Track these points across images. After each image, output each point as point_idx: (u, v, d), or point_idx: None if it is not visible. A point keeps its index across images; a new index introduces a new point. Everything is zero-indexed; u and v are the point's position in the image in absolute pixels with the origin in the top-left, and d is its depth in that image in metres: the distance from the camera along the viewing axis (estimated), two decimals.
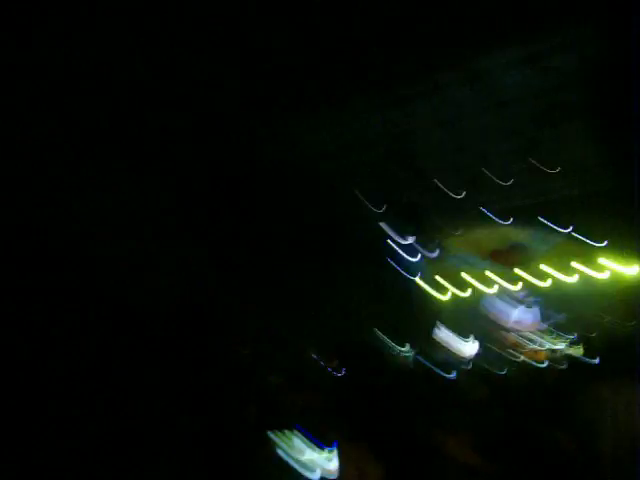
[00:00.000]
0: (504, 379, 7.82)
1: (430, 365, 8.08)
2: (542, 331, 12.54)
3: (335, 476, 1.66)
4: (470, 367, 10.63)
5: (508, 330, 12.87)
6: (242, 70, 9.35)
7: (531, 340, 12.38)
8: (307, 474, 1.74)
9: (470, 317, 13.70)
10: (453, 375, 7.98)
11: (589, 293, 12.92)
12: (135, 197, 10.40)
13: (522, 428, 4.34)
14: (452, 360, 11.62)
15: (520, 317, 12.86)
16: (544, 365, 9.91)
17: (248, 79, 9.44)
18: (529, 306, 12.85)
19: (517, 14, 8.33)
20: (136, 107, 9.46)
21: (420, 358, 11.68)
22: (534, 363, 10.71)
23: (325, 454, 1.74)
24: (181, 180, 10.77)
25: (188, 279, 10.96)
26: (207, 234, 11.38)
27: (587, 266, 12.72)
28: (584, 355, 10.61)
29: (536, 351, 11.72)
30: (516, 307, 12.90)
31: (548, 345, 11.79)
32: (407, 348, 12.08)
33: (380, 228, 13.00)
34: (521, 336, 12.72)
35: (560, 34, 8.95)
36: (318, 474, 1.69)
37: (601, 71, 9.14)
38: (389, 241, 13.23)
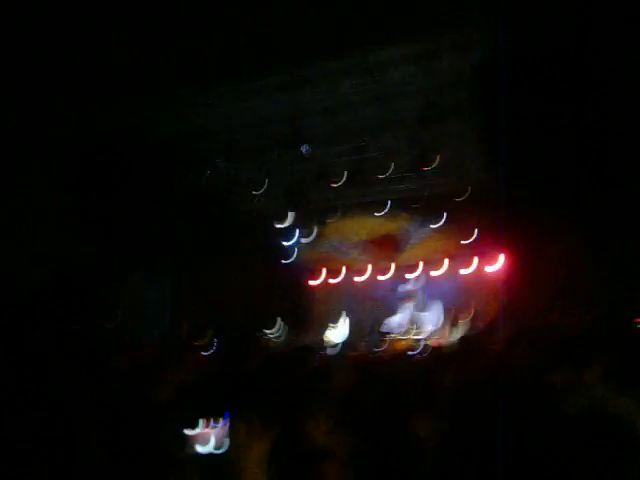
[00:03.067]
0: (370, 365, 8.00)
1: (299, 348, 8.15)
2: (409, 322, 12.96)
3: (223, 449, 1.69)
4: (338, 352, 10.87)
5: (378, 318, 13.26)
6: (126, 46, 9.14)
7: (398, 329, 12.79)
8: (198, 447, 1.75)
9: (341, 303, 13.97)
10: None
11: (451, 286, 13.50)
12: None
13: (383, 414, 4.48)
14: (321, 344, 11.85)
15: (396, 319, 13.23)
16: (410, 353, 10.21)
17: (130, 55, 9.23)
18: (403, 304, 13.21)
19: (409, 13, 8.57)
20: None
21: (290, 341, 11.89)
22: (399, 351, 11.08)
23: (213, 428, 1.76)
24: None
25: (60, 254, 10.63)
26: (81, 211, 11.06)
27: (454, 260, 13.26)
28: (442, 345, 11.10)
29: (398, 340, 12.11)
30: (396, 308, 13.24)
31: (411, 335, 12.21)
32: (277, 331, 12.21)
33: (257, 209, 12.98)
34: (389, 325, 13.14)
35: (448, 37, 9.31)
36: (208, 448, 1.71)
37: (483, 75, 9.54)
38: (265, 223, 13.23)
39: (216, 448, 1.87)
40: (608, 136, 9.69)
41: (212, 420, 1.88)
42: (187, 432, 1.82)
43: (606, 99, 9.27)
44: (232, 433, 1.87)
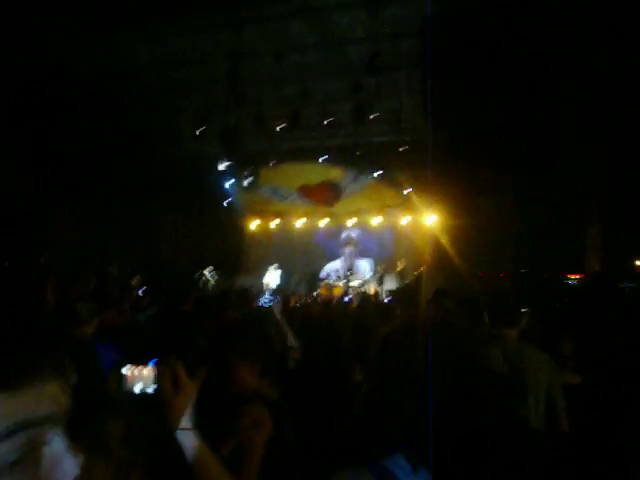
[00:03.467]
0: (304, 309, 8.08)
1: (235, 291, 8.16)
2: (345, 269, 13.11)
3: (153, 388, 1.70)
4: (273, 297, 10.94)
5: (315, 264, 13.37)
6: None
7: (334, 275, 12.93)
8: (129, 386, 1.76)
9: (280, 248, 14.02)
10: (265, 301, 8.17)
11: (387, 236, 13.67)
12: None
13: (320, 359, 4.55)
14: (259, 287, 11.90)
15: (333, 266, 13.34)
16: (345, 299, 10.34)
17: None
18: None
19: None
20: None
21: (228, 284, 11.90)
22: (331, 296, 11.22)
23: (145, 369, 1.76)
24: None
25: None
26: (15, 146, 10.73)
27: (392, 211, 13.41)
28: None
29: (333, 286, 12.26)
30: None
31: (350, 283, 12.35)
32: (210, 272, 12.17)
33: (196, 149, 12.80)
34: (325, 270, 13.27)
35: None
36: (139, 387, 1.72)
37: (430, 26, 9.51)
38: (204, 164, 13.07)
39: (145, 388, 1.87)
40: (547, 92, 9.86)
41: (142, 360, 1.87)
42: (124, 370, 1.81)
43: (549, 53, 9.39)
44: (159, 376, 1.87)
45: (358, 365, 3.44)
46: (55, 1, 8.83)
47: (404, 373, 1.41)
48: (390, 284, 11.74)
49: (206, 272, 11.98)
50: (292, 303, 7.93)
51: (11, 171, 10.81)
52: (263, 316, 5.59)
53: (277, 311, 5.35)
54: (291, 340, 4.80)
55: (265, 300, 9.66)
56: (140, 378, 1.80)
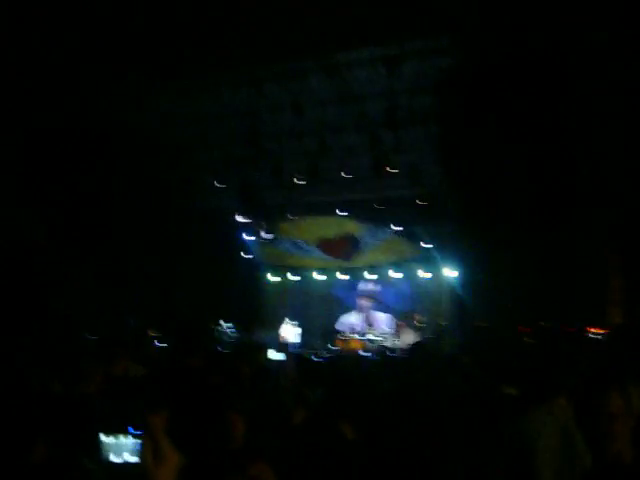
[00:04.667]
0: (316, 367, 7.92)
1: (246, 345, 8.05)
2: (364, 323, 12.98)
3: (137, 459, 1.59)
4: (294, 351, 10.83)
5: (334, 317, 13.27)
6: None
7: (353, 329, 12.79)
8: (111, 457, 1.64)
9: (299, 301, 13.97)
10: (282, 356, 8.04)
11: (408, 290, 13.57)
12: None
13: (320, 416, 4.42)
14: (276, 341, 11.79)
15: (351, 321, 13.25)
16: (363, 353, 10.21)
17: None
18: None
19: (379, 16, 8.57)
20: None
21: (245, 337, 11.82)
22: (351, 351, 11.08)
23: (131, 438, 1.66)
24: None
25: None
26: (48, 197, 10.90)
27: (410, 265, 13.34)
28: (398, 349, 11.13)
29: (349, 339, 12.11)
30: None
31: (368, 336, 12.20)
32: (231, 326, 12.11)
33: (215, 203, 12.89)
34: (344, 324, 13.15)
35: (416, 42, 9.34)
36: (123, 457, 1.61)
37: (447, 82, 9.60)
38: (224, 217, 13.15)
39: (130, 458, 1.77)
40: (564, 149, 9.85)
41: (134, 425, 1.78)
42: (103, 438, 1.72)
43: (565, 113, 9.41)
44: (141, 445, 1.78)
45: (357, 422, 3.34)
46: (77, 53, 9.03)
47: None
48: (408, 338, 11.60)
49: (222, 324, 11.94)
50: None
51: (28, 223, 10.94)
52: (274, 371, 5.49)
53: (290, 368, 5.25)
54: (304, 396, 4.69)
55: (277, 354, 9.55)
56: (121, 447, 1.71)
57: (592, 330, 9.25)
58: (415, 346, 9.87)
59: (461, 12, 8.70)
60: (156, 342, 8.95)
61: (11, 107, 9.88)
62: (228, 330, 11.91)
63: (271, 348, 9.07)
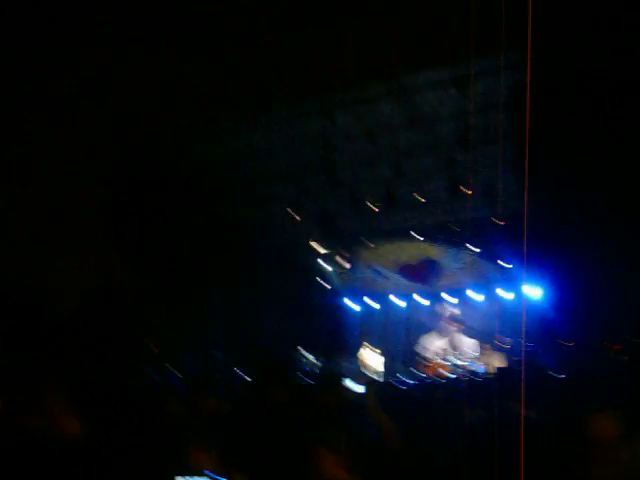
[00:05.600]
0: (403, 396, 7.78)
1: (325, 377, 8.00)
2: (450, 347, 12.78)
3: None
4: (377, 379, 10.73)
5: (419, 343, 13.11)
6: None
7: (439, 354, 12.60)
8: None
9: (382, 328, 13.87)
10: (361, 388, 7.95)
11: (492, 312, 13.30)
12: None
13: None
14: (361, 370, 11.73)
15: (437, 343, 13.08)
16: (445, 380, 10.04)
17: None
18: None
19: (446, 36, 8.54)
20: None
21: (329, 367, 11.81)
22: (437, 377, 10.90)
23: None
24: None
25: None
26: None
27: (495, 286, 13.07)
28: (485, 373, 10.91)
29: (437, 365, 11.91)
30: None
31: (453, 360, 11.99)
32: (317, 356, 12.13)
33: (293, 235, 13.01)
34: (430, 349, 12.96)
35: (485, 60, 9.23)
36: None
37: (520, 100, 9.43)
38: (304, 247, 13.25)
39: None
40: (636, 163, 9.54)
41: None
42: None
43: (632, 128, 9.12)
44: None
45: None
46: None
47: None
48: (494, 362, 11.34)
49: (303, 353, 11.97)
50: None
51: (119, 266, 11.28)
52: (360, 404, 5.41)
53: (372, 400, 5.15)
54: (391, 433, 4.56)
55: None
56: None
57: None
58: (503, 371, 9.68)
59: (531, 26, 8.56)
60: (242, 375, 9.07)
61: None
62: (309, 359, 11.93)
63: (352, 377, 9.06)
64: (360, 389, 8.61)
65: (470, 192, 11.29)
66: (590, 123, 9.19)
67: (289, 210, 12.40)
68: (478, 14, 7.88)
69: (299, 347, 12.04)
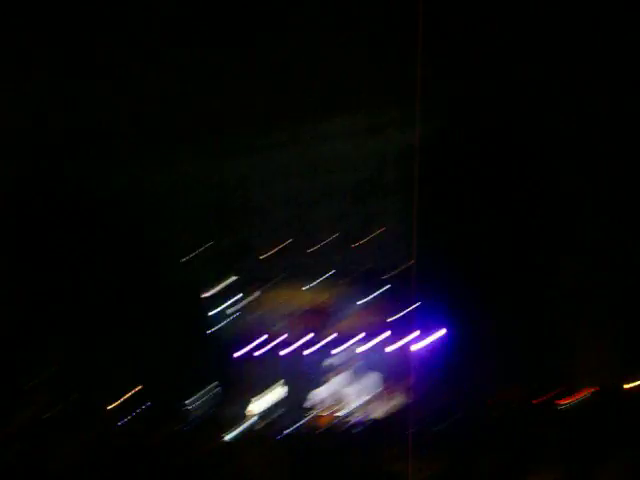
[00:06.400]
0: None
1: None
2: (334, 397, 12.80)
3: None
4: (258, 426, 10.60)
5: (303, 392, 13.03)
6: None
7: (323, 404, 12.58)
8: None
9: (267, 375, 13.70)
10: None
11: (379, 362, 13.43)
12: None
13: None
14: (243, 416, 11.54)
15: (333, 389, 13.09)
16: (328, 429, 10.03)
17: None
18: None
19: (349, 87, 8.74)
20: None
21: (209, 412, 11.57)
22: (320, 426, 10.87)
23: None
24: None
25: None
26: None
27: (383, 335, 13.22)
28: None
29: (322, 415, 11.89)
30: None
31: (336, 410, 12.00)
32: (198, 401, 11.85)
33: (189, 274, 12.80)
34: (314, 399, 12.93)
35: (387, 114, 9.50)
36: None
37: (421, 154, 9.74)
38: (191, 290, 13.02)
39: None
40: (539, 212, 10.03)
41: None
42: None
43: (533, 172, 9.59)
44: None
45: None
46: None
47: None
48: (380, 409, 11.48)
49: (191, 400, 11.70)
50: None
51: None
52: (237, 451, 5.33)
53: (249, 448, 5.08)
54: None
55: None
56: None
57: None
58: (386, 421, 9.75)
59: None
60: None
61: None
62: (194, 404, 11.67)
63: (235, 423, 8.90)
64: (239, 435, 8.50)
65: (362, 243, 11.48)
66: (482, 177, 9.57)
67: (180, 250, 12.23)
68: (377, 69, 8.14)
69: (181, 390, 11.75)
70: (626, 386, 8.99)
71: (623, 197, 9.36)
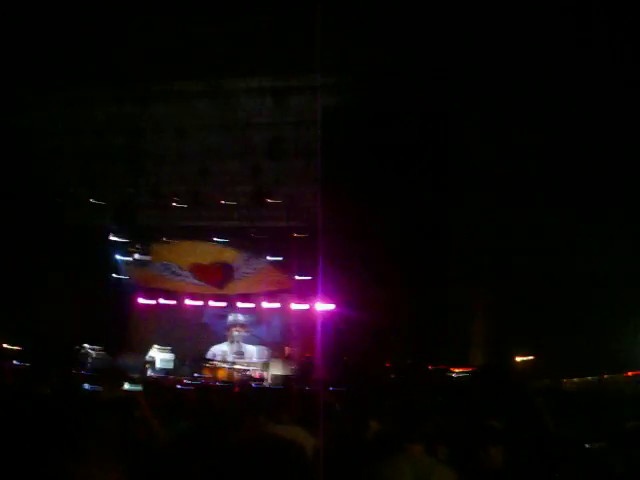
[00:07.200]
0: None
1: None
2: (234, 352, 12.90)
3: None
4: (156, 377, 10.55)
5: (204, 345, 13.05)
6: None
7: (222, 358, 12.65)
8: None
9: (169, 326, 13.59)
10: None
11: (280, 321, 13.55)
12: None
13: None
14: (142, 365, 11.46)
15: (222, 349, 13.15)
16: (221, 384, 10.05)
17: None
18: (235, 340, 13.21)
19: (269, 47, 8.63)
20: None
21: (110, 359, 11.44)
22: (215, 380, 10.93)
23: None
24: None
25: None
26: None
27: (284, 296, 13.33)
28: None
29: (217, 368, 11.95)
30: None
31: (236, 366, 12.09)
32: (98, 348, 11.68)
33: (87, 218, 12.47)
34: (213, 352, 12.98)
35: (306, 78, 9.43)
36: None
37: (330, 118, 9.75)
38: (98, 235, 12.72)
39: None
40: (442, 192, 10.25)
41: None
42: None
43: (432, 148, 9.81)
44: None
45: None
46: None
47: None
48: (276, 369, 11.62)
49: (87, 346, 11.51)
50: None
51: None
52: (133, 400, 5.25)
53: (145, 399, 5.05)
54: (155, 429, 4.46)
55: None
56: None
57: (454, 369, 9.56)
58: (284, 379, 9.92)
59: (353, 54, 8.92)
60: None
61: None
62: (94, 352, 11.50)
63: (134, 373, 8.84)
64: (137, 387, 8.43)
65: (273, 201, 11.50)
66: (391, 149, 9.69)
67: (88, 194, 11.93)
68: (305, 32, 8.06)
69: (84, 339, 11.56)
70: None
71: None
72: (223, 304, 13.81)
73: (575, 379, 8.31)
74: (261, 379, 11.21)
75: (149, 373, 11.23)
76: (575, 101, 8.18)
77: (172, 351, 12.05)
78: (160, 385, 7.07)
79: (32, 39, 8.52)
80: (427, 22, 8.31)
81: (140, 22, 8.48)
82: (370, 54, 8.87)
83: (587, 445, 3.81)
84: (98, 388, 5.02)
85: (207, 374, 11.58)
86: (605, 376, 8.20)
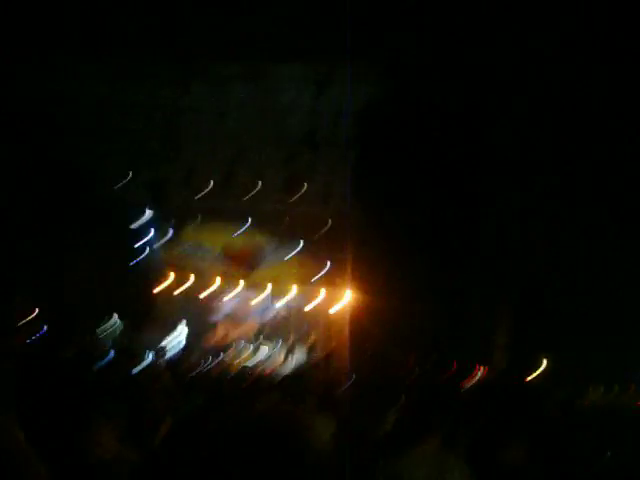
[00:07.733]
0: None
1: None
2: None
3: None
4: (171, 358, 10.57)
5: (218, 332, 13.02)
6: None
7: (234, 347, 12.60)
8: None
9: (186, 310, 13.57)
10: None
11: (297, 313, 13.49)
12: None
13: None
14: (157, 347, 11.50)
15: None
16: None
17: None
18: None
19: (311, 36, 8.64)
20: None
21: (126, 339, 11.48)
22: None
23: None
24: None
25: None
26: None
27: (305, 288, 13.25)
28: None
29: (242, 350, 11.97)
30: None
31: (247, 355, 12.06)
32: (114, 326, 11.73)
33: (121, 195, 12.55)
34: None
35: (348, 67, 9.39)
36: None
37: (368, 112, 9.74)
38: (123, 215, 12.76)
39: None
40: (467, 182, 10.18)
41: None
42: None
43: (468, 148, 9.73)
44: None
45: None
46: None
47: None
48: (301, 355, 11.64)
49: (107, 324, 11.57)
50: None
51: None
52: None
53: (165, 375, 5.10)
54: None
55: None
56: None
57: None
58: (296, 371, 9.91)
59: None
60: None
61: None
62: (117, 326, 11.56)
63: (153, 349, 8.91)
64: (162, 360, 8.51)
65: (305, 189, 11.47)
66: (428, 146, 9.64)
67: (124, 169, 11.99)
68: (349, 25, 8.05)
69: (112, 311, 11.63)
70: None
71: None
72: (241, 293, 13.75)
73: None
74: (285, 364, 11.24)
75: (173, 349, 11.29)
76: (607, 100, 8.10)
77: (197, 329, 12.09)
78: (182, 361, 7.09)
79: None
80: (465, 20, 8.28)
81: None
82: (413, 51, 8.86)
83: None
84: (121, 358, 5.07)
85: (231, 355, 11.61)
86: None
